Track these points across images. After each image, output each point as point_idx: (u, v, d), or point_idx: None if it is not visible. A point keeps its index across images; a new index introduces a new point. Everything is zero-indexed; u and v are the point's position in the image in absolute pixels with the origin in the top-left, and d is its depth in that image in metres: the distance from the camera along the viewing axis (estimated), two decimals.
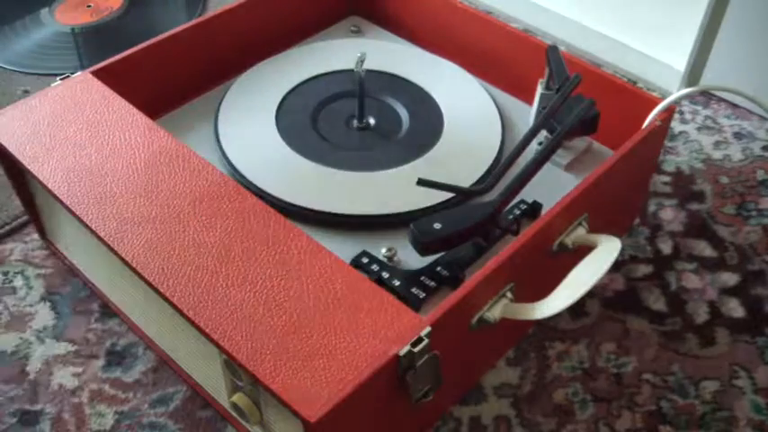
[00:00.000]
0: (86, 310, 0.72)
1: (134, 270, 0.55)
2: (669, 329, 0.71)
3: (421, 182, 0.64)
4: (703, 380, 0.67)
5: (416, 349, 0.51)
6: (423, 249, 0.60)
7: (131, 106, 0.69)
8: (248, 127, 0.75)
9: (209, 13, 0.81)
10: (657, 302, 0.73)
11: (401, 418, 0.58)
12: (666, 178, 0.86)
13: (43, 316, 0.71)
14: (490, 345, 0.66)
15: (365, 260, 0.63)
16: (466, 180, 0.71)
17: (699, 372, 0.68)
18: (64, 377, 0.67)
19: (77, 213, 0.59)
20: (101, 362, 0.68)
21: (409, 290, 0.61)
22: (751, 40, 0.90)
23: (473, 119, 0.78)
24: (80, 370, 0.67)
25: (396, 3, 0.90)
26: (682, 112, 0.95)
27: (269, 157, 0.72)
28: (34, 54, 1.02)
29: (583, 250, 0.59)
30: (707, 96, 0.97)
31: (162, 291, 0.54)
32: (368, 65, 0.83)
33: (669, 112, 0.70)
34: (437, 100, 0.80)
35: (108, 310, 0.72)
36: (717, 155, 0.89)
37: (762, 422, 0.64)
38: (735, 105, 0.95)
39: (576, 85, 0.69)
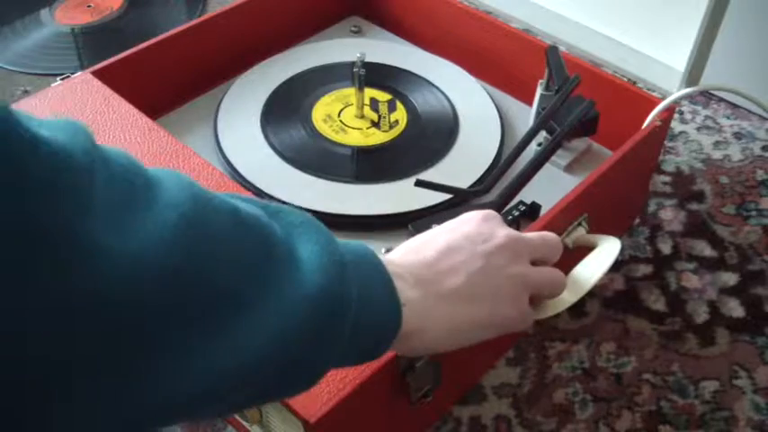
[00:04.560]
0: None
1: None
2: (669, 329, 0.71)
3: (419, 183, 0.64)
4: (703, 380, 0.67)
5: None
6: None
7: (131, 106, 0.69)
8: (248, 127, 0.75)
9: (209, 13, 0.82)
10: (657, 302, 0.73)
11: (401, 418, 0.58)
12: (666, 178, 0.86)
13: None
14: (490, 345, 0.66)
15: None
16: (465, 181, 0.70)
17: (699, 372, 0.68)
18: None
19: None
20: None
21: None
22: (751, 40, 0.90)
23: (473, 119, 0.78)
24: None
25: (396, 3, 0.90)
26: (682, 112, 0.95)
27: (268, 157, 0.72)
28: (34, 54, 1.02)
29: (583, 250, 0.59)
30: (707, 96, 0.97)
31: None
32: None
33: (669, 112, 0.70)
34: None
35: None
36: (717, 155, 0.89)
37: (762, 422, 0.64)
38: (735, 105, 0.95)
39: (575, 86, 0.69)
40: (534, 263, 0.48)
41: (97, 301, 0.27)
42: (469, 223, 0.47)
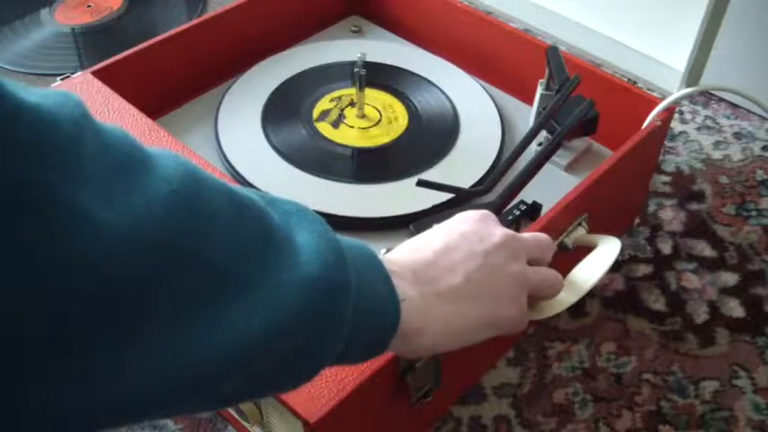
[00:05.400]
0: None
1: None
2: (669, 329, 0.71)
3: (421, 183, 0.64)
4: (703, 380, 0.67)
5: None
6: None
7: (131, 106, 0.69)
8: (248, 127, 0.75)
9: (209, 13, 0.82)
10: (657, 302, 0.73)
11: (401, 419, 0.58)
12: (666, 178, 0.86)
13: None
14: (490, 345, 0.66)
15: None
16: (466, 181, 0.70)
17: (699, 372, 0.68)
18: None
19: None
20: None
21: None
22: (751, 40, 0.90)
23: (473, 119, 0.78)
24: None
25: (396, 3, 0.90)
26: (682, 112, 0.95)
27: (268, 157, 0.72)
28: (34, 54, 1.02)
29: (583, 250, 0.59)
30: (707, 96, 0.97)
31: None
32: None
33: (669, 112, 0.70)
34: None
35: None
36: (717, 155, 0.89)
37: (762, 422, 0.64)
38: (735, 105, 0.95)
39: (575, 86, 0.69)
40: (529, 263, 0.49)
41: (82, 273, 0.27)
42: (466, 223, 0.47)
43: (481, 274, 0.45)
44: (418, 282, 0.43)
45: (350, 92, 0.78)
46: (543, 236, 0.51)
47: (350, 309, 0.37)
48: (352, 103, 0.77)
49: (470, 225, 0.47)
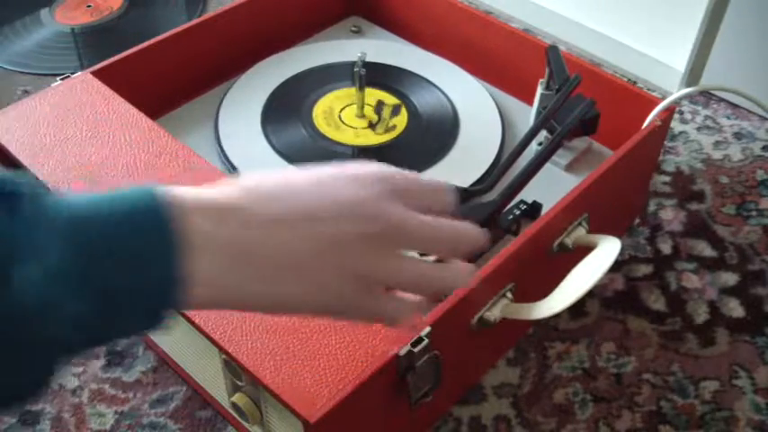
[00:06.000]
0: None
1: None
2: (669, 329, 0.71)
3: None
4: (703, 380, 0.67)
5: (416, 349, 0.51)
6: None
7: (131, 106, 0.69)
8: (248, 127, 0.75)
9: (209, 13, 0.82)
10: (657, 302, 0.73)
11: (401, 418, 0.58)
12: (666, 178, 0.86)
13: None
14: (490, 345, 0.66)
15: None
16: (466, 180, 0.71)
17: (699, 372, 0.68)
18: (64, 377, 0.66)
19: None
20: (101, 362, 0.68)
21: None
22: (751, 40, 0.90)
23: (473, 118, 0.78)
24: (80, 370, 0.67)
25: (396, 3, 0.90)
26: (682, 112, 0.95)
27: (268, 157, 0.72)
28: (34, 54, 1.02)
29: (583, 250, 0.59)
30: (707, 96, 0.97)
31: None
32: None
33: (669, 112, 0.70)
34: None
35: None
36: (717, 155, 0.89)
37: (762, 422, 0.64)
38: (735, 105, 0.95)
39: (575, 86, 0.69)
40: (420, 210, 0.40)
41: None
42: (360, 188, 0.39)
43: (332, 263, 0.37)
44: (241, 252, 0.36)
45: (386, 97, 0.79)
46: (436, 182, 0.42)
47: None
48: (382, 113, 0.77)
49: (358, 191, 0.39)
